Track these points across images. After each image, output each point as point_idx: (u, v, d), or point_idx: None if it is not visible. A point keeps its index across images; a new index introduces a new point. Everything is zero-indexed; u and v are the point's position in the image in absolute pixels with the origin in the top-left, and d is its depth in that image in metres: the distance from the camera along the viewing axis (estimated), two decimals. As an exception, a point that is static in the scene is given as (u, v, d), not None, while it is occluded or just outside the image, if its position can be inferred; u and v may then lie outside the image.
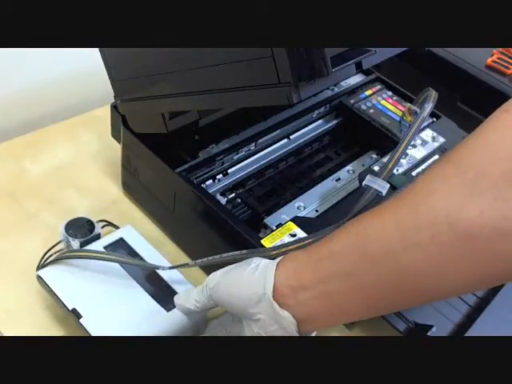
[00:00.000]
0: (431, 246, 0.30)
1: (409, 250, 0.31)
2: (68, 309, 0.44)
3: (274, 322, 0.36)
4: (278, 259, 0.37)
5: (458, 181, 0.31)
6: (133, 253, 0.52)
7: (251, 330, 0.37)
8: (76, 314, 0.43)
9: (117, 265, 0.49)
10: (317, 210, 0.53)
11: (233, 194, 0.55)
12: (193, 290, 0.42)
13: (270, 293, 0.35)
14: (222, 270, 0.40)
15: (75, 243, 0.51)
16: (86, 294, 0.46)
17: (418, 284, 0.32)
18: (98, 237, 0.52)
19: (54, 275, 0.47)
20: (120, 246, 0.52)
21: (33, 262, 0.53)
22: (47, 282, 0.46)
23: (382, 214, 0.34)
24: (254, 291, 0.36)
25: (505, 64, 0.71)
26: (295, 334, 0.35)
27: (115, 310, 0.45)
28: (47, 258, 0.49)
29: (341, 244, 0.34)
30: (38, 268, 0.49)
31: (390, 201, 0.35)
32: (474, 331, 0.47)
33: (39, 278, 0.47)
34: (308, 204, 0.54)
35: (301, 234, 0.47)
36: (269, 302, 0.35)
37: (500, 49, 0.74)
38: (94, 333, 0.42)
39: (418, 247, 0.31)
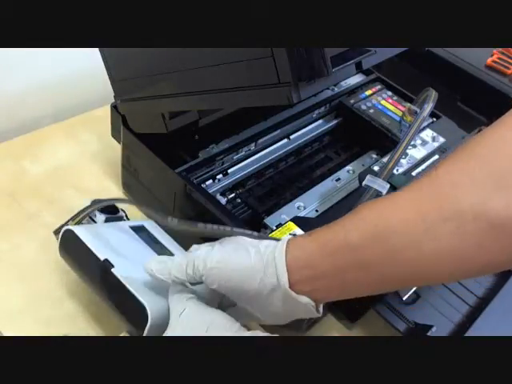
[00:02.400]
0: (456, 237, 0.31)
1: (432, 241, 0.32)
2: (100, 259, 0.42)
3: (286, 304, 0.37)
4: (281, 245, 0.37)
5: (483, 174, 0.31)
6: (154, 239, 0.51)
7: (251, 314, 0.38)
8: (108, 264, 0.42)
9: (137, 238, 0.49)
10: (317, 210, 0.53)
11: (233, 194, 0.55)
12: (170, 263, 0.39)
13: (286, 285, 0.35)
14: (214, 252, 0.38)
15: (101, 217, 0.50)
16: (114, 251, 0.45)
17: (438, 272, 0.34)
18: (121, 218, 0.53)
19: (82, 231, 0.45)
20: (141, 230, 0.52)
21: (33, 262, 0.53)
22: (78, 234, 0.44)
23: (404, 205, 0.34)
24: (266, 282, 0.36)
25: (505, 64, 0.71)
26: (315, 313, 0.37)
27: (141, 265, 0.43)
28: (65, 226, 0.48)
29: (358, 234, 0.34)
30: (57, 231, 0.48)
31: (409, 189, 0.35)
32: (474, 331, 0.47)
33: (67, 233, 0.45)
34: (308, 204, 0.54)
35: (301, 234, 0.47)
36: (285, 293, 0.36)
37: (500, 49, 0.74)
38: (125, 281, 0.41)
39: (442, 238, 0.32)
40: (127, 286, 0.41)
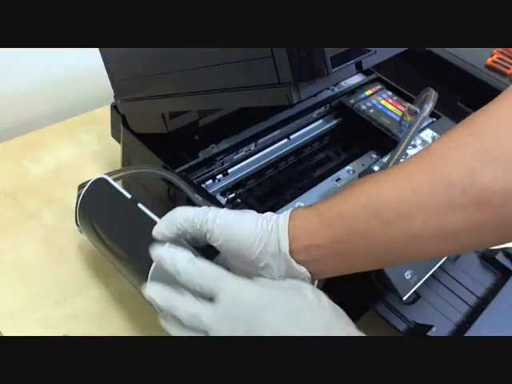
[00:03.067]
0: (445, 210, 0.32)
1: (422, 213, 0.33)
2: (127, 197, 0.45)
3: (285, 274, 0.37)
4: (285, 215, 0.38)
5: (474, 148, 0.32)
6: None
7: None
8: (134, 200, 0.44)
9: None
10: (317, 210, 0.53)
11: (233, 194, 0.55)
12: (178, 214, 0.39)
13: (287, 251, 0.36)
14: (224, 210, 0.39)
15: None
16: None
17: (428, 245, 0.34)
18: None
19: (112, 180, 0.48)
20: None
21: (33, 261, 0.53)
22: (109, 181, 0.47)
23: (396, 179, 0.35)
24: (267, 248, 0.37)
25: (505, 64, 0.71)
26: (308, 283, 0.37)
27: None
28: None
29: (352, 205, 0.35)
30: (82, 185, 0.50)
31: (403, 164, 0.36)
32: (474, 331, 0.47)
33: (98, 181, 0.47)
34: (308, 204, 0.54)
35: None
36: (286, 259, 0.37)
37: (500, 49, 0.74)
38: (151, 215, 0.43)
39: (431, 211, 0.33)
40: (152, 216, 0.42)
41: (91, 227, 0.48)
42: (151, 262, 0.39)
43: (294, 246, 0.36)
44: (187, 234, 0.39)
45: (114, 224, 0.46)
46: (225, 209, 0.39)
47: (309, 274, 0.37)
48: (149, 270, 0.39)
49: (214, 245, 0.38)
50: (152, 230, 0.40)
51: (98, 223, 0.47)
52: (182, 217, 0.38)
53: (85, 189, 0.48)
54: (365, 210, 0.35)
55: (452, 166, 0.32)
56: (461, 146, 0.33)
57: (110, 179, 0.47)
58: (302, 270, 0.37)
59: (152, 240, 0.39)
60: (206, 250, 0.41)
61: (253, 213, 0.39)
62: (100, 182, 0.48)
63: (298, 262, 0.37)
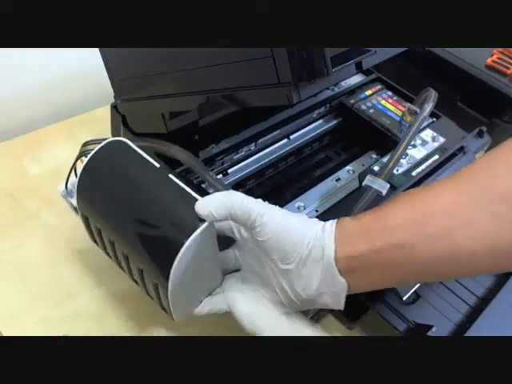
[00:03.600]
0: (489, 225, 0.33)
1: (466, 227, 0.33)
2: (155, 165, 0.40)
3: (321, 283, 0.37)
4: (332, 223, 0.38)
5: None
6: None
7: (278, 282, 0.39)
8: (165, 170, 0.40)
9: None
10: (317, 210, 0.53)
11: (233, 194, 0.55)
12: (230, 199, 0.37)
13: (332, 259, 0.36)
14: (277, 208, 0.38)
15: None
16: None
17: (472, 261, 0.34)
18: None
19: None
20: None
21: (33, 261, 0.53)
22: (130, 144, 0.41)
23: (441, 194, 0.35)
24: (313, 253, 0.37)
25: (505, 64, 0.71)
26: (343, 298, 0.38)
27: None
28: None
29: (395, 218, 0.36)
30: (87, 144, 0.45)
31: (448, 180, 0.36)
32: (474, 331, 0.47)
33: (116, 143, 0.41)
34: (308, 204, 0.54)
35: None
36: (327, 268, 0.37)
37: (500, 49, 0.74)
38: (188, 189, 0.39)
39: (476, 225, 0.33)
40: (188, 190, 0.39)
41: (99, 197, 0.41)
42: (183, 239, 0.35)
43: (336, 254, 0.36)
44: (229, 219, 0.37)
45: (134, 194, 0.39)
46: (277, 207, 0.39)
47: (346, 287, 0.37)
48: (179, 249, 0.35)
49: (258, 239, 0.37)
50: (190, 205, 0.37)
51: (110, 192, 0.40)
52: (237, 203, 0.37)
53: (98, 148, 0.40)
54: (407, 223, 0.35)
55: (497, 182, 0.33)
56: (506, 160, 0.34)
57: (130, 143, 0.41)
58: (342, 280, 0.37)
59: (188, 216, 0.36)
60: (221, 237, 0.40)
61: (300, 215, 0.39)
62: (118, 145, 0.41)
63: (339, 273, 0.36)
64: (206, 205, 0.37)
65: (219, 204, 0.37)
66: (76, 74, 0.78)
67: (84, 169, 0.41)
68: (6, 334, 0.48)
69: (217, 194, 0.38)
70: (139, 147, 0.42)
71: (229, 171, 0.56)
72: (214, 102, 0.42)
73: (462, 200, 0.34)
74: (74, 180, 0.46)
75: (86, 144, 0.44)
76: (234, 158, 0.57)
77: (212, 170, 0.55)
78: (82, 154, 0.44)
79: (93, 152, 0.41)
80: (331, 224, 0.38)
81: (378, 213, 0.37)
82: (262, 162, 0.58)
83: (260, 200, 0.39)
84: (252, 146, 0.58)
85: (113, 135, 0.61)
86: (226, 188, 0.46)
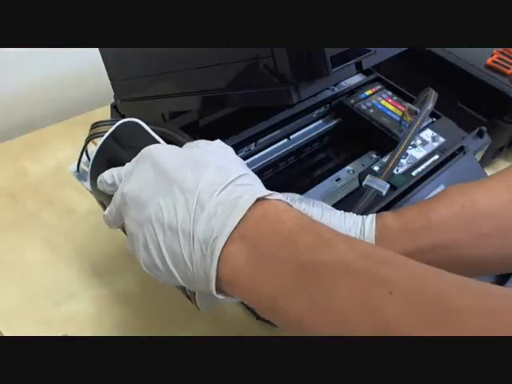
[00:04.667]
0: None
1: None
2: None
3: None
4: (371, 219, 0.36)
5: None
6: None
7: None
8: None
9: None
10: (317, 210, 0.53)
11: (233, 194, 0.55)
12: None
13: None
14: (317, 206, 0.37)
15: None
16: None
17: None
18: None
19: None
20: None
21: (33, 262, 0.53)
22: (141, 124, 0.40)
23: (493, 190, 0.33)
24: None
25: (505, 64, 0.71)
26: None
27: None
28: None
29: (442, 215, 0.34)
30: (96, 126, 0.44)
31: (499, 175, 0.34)
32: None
33: (128, 124, 0.40)
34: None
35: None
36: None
37: (500, 49, 0.74)
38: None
39: None
40: None
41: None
42: None
43: None
44: None
45: None
46: (315, 208, 0.37)
47: None
48: None
49: None
50: None
51: None
52: None
53: (113, 128, 0.40)
54: (456, 220, 0.33)
55: None
56: None
57: (144, 124, 0.40)
58: None
59: None
60: None
61: (338, 213, 0.37)
62: (133, 126, 0.40)
63: None
64: None
65: None
66: (76, 73, 0.78)
67: (99, 150, 0.41)
68: (5, 333, 0.48)
69: None
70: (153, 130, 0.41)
71: (229, 171, 0.56)
72: (214, 101, 0.42)
73: None
74: (84, 161, 0.46)
75: (95, 126, 0.43)
76: (234, 158, 0.57)
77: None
78: (93, 135, 0.43)
79: (109, 132, 0.40)
80: (371, 221, 0.36)
81: (424, 209, 0.35)
82: (261, 162, 0.58)
83: (289, 198, 0.37)
84: (252, 146, 0.58)
85: (113, 135, 0.61)
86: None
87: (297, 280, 0.27)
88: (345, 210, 0.44)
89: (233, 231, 0.29)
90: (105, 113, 0.61)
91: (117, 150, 0.40)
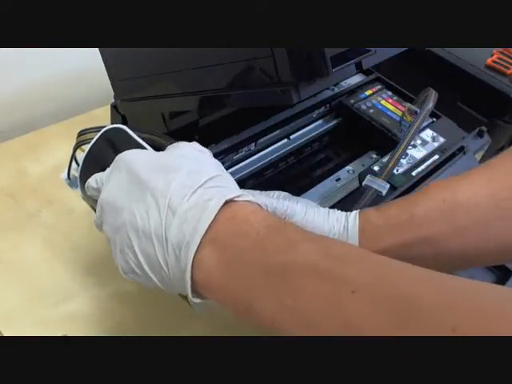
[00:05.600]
0: None
1: (500, 219, 0.32)
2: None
3: None
4: (354, 218, 0.36)
5: None
6: None
7: None
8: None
9: None
10: (317, 210, 0.53)
11: (233, 194, 0.55)
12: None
13: None
14: (300, 205, 0.37)
15: None
16: None
17: (504, 247, 0.33)
18: None
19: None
20: None
21: (33, 262, 0.53)
22: (126, 130, 0.41)
23: (474, 183, 0.34)
24: None
25: (505, 64, 0.71)
26: None
27: None
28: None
29: (425, 209, 0.34)
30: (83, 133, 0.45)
31: (480, 169, 0.35)
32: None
33: (115, 131, 0.41)
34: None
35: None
36: None
37: (500, 49, 0.74)
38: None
39: (510, 214, 0.32)
40: None
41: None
42: None
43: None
44: None
45: None
46: (299, 205, 0.37)
47: None
48: None
49: None
50: None
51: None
52: (262, 203, 0.36)
53: (99, 135, 0.41)
54: (438, 214, 0.33)
55: None
56: None
57: (129, 130, 0.41)
58: None
59: None
60: None
61: (322, 211, 0.37)
62: (117, 132, 0.41)
63: None
64: None
65: None
66: (76, 73, 0.78)
67: (86, 156, 0.42)
68: (5, 333, 0.48)
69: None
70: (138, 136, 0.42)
71: (229, 171, 0.56)
72: (214, 101, 0.42)
73: (497, 190, 0.32)
74: (75, 167, 0.46)
75: (82, 133, 0.44)
76: (234, 158, 0.57)
77: (212, 170, 0.55)
78: (80, 142, 0.44)
79: (95, 138, 0.41)
80: (354, 218, 0.36)
81: (406, 204, 0.35)
82: (261, 162, 0.58)
83: (276, 195, 0.37)
84: (252, 146, 0.58)
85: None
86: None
87: (267, 282, 0.27)
88: (345, 210, 0.44)
89: (204, 235, 0.29)
90: (105, 113, 0.61)
91: (104, 155, 0.41)
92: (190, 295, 0.31)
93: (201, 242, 0.29)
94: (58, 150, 0.68)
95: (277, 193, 0.39)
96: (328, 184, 0.57)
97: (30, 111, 0.76)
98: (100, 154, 0.41)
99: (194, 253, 0.29)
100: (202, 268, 0.30)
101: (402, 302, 0.24)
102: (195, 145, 0.38)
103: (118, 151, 0.40)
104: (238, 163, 0.57)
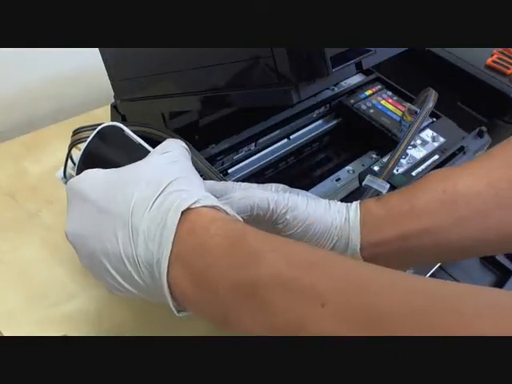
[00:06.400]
0: None
1: (500, 208, 0.32)
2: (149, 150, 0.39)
3: None
4: (356, 210, 0.36)
5: None
6: None
7: None
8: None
9: None
10: (317, 210, 0.53)
11: (233, 194, 0.55)
12: (253, 196, 0.35)
13: (357, 252, 0.35)
14: (301, 197, 0.37)
15: None
16: None
17: (505, 241, 0.33)
18: None
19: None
20: None
21: (33, 262, 0.53)
22: (121, 127, 0.40)
23: (474, 174, 0.34)
24: (338, 243, 0.36)
25: (505, 64, 0.71)
26: None
27: None
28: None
29: (425, 199, 0.34)
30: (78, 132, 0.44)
31: (480, 160, 0.35)
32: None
33: (110, 129, 0.40)
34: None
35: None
36: (355, 258, 0.35)
37: (500, 49, 0.74)
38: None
39: (509, 207, 0.32)
40: None
41: None
42: None
43: (361, 243, 0.35)
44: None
45: None
46: (300, 197, 0.37)
47: None
48: None
49: (282, 234, 0.36)
50: None
51: None
52: (260, 199, 0.35)
53: (94, 133, 0.40)
54: (438, 205, 0.33)
55: None
56: None
57: (125, 128, 0.40)
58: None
59: None
60: None
61: (323, 203, 0.37)
62: (113, 130, 0.40)
63: (363, 260, 0.35)
64: (228, 208, 0.34)
65: (244, 201, 0.35)
66: (76, 73, 0.78)
67: (83, 153, 0.41)
68: (5, 333, 0.48)
69: (234, 195, 0.36)
70: (135, 132, 0.41)
71: (229, 171, 0.56)
72: (214, 101, 0.42)
73: (497, 180, 0.32)
74: (71, 166, 0.46)
75: (77, 132, 0.43)
76: (234, 158, 0.57)
77: (212, 170, 0.55)
78: (76, 141, 0.43)
79: (91, 136, 0.41)
80: (355, 209, 0.36)
81: (407, 195, 0.35)
82: (262, 162, 0.58)
83: (274, 188, 0.37)
84: (252, 146, 0.58)
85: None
86: (222, 179, 0.44)
87: (236, 298, 0.27)
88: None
89: (170, 251, 0.29)
90: (105, 113, 0.61)
91: (100, 153, 0.40)
92: (174, 310, 0.31)
93: (169, 261, 0.29)
94: (57, 151, 0.68)
95: (274, 185, 0.39)
96: (328, 184, 0.57)
97: (29, 111, 0.76)
98: (96, 152, 0.40)
99: (165, 272, 0.29)
100: (176, 285, 0.30)
101: (371, 314, 0.24)
102: (161, 147, 0.36)
103: (114, 148, 0.40)
104: (238, 163, 0.57)
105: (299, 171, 0.60)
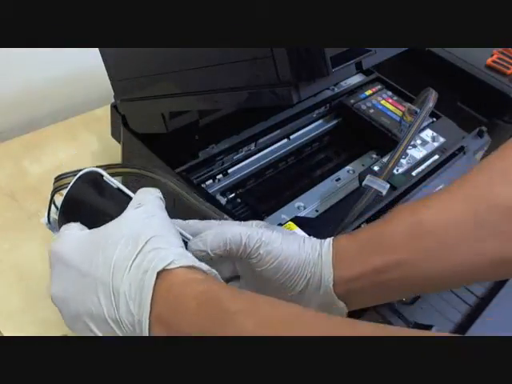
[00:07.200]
0: (492, 241, 0.32)
1: (466, 243, 0.33)
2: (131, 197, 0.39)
3: (320, 304, 0.36)
4: (328, 244, 0.36)
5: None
6: None
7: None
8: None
9: None
10: (317, 210, 0.53)
11: (233, 194, 0.55)
12: (228, 233, 0.36)
13: (331, 286, 0.35)
14: (275, 233, 0.37)
15: None
16: None
17: (476, 272, 0.34)
18: None
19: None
20: None
21: (33, 262, 0.53)
22: (101, 173, 0.41)
23: (445, 200, 0.35)
24: (311, 280, 0.36)
25: (505, 64, 0.71)
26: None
27: None
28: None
29: (392, 234, 0.35)
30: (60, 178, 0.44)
31: (443, 192, 0.36)
32: (474, 331, 0.47)
33: (92, 175, 0.41)
34: (308, 204, 0.54)
35: (301, 233, 0.47)
36: (327, 294, 0.36)
37: (500, 49, 0.74)
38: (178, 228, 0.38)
39: (476, 239, 0.32)
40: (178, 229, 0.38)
41: None
42: None
43: (334, 279, 0.35)
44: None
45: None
46: (274, 232, 0.37)
47: (346, 309, 0.36)
48: None
49: (256, 269, 0.36)
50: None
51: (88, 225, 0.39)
52: (232, 234, 0.36)
53: (73, 181, 0.41)
54: (405, 240, 0.34)
55: (497, 190, 0.32)
56: (501, 170, 0.33)
57: (105, 173, 0.41)
58: (342, 305, 0.36)
59: None
60: None
61: (298, 238, 0.37)
62: (93, 176, 0.41)
63: (337, 296, 0.36)
64: (202, 242, 0.36)
65: (216, 238, 0.36)
66: (76, 73, 0.78)
67: (64, 200, 0.42)
68: (5, 333, 0.48)
69: (212, 228, 0.37)
70: (118, 173, 0.44)
71: (229, 171, 0.56)
72: (214, 102, 0.42)
73: (461, 214, 0.33)
74: (55, 211, 0.47)
75: (59, 178, 0.44)
76: (234, 158, 0.57)
77: (212, 170, 0.55)
78: (58, 187, 0.44)
79: (71, 184, 0.42)
80: (328, 245, 0.36)
81: (376, 230, 0.36)
82: (261, 162, 0.59)
83: (254, 224, 0.38)
84: (252, 146, 0.58)
85: (113, 135, 0.61)
86: (220, 214, 0.43)
87: None
88: (345, 210, 0.44)
89: (150, 312, 0.31)
90: (105, 113, 0.61)
91: (80, 199, 0.41)
92: None
93: (150, 320, 0.31)
94: (58, 150, 0.68)
95: (255, 222, 0.39)
96: (328, 184, 0.57)
97: (29, 111, 0.76)
98: (77, 198, 0.41)
99: (147, 333, 0.31)
100: None
101: None
102: (137, 203, 0.37)
103: (93, 195, 0.41)
104: (238, 163, 0.57)
105: (299, 171, 0.60)
